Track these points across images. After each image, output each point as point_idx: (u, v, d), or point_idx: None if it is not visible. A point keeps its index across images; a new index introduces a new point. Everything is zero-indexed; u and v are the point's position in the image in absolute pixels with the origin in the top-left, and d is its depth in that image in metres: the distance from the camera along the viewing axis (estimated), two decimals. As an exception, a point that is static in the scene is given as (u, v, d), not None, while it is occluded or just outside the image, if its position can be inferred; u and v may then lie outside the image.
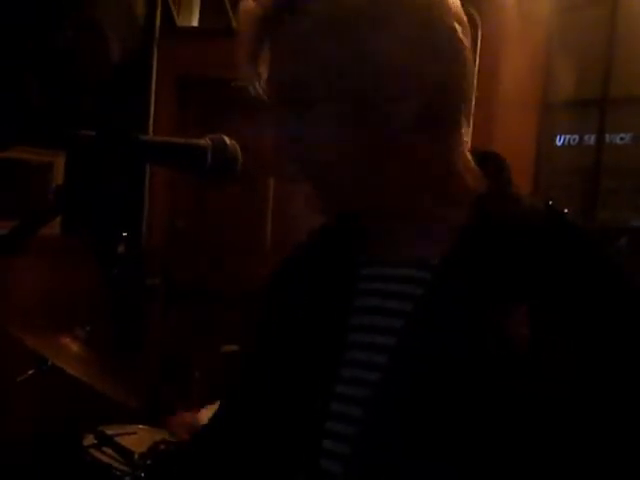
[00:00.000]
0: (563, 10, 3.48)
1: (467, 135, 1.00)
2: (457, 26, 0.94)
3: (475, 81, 1.01)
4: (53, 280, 3.83)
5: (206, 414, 2.97)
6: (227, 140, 1.04)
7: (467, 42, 0.96)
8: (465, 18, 0.96)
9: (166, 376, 3.99)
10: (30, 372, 2.68)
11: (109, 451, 2.59)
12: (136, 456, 2.43)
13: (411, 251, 1.01)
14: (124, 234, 4.14)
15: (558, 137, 3.59)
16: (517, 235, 0.97)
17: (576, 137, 3.58)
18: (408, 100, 0.92)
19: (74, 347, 2.70)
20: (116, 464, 2.56)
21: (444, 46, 0.93)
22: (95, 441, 2.62)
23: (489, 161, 1.05)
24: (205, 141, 1.03)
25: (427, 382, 0.93)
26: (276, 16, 0.95)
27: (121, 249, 4.10)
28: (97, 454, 2.62)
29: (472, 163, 1.03)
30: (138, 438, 2.79)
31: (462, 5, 0.97)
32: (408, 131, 0.93)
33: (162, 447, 2.42)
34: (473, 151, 1.04)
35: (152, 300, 4.33)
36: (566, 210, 1.04)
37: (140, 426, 2.98)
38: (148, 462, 2.39)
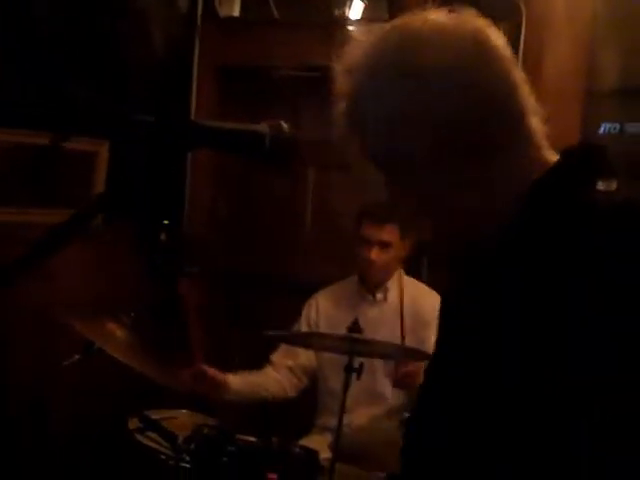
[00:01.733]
0: (608, -3, 3.46)
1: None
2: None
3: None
4: (96, 269, 3.87)
5: (234, 380, 3.01)
6: (284, 125, 1.05)
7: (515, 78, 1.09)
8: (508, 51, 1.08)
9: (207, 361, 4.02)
10: (77, 356, 2.72)
11: (154, 435, 2.62)
12: (180, 440, 2.46)
13: None
14: (165, 222, 4.16)
15: (602, 126, 3.55)
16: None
17: (617, 126, 3.54)
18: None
19: (119, 333, 2.73)
20: (161, 448, 2.59)
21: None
22: (140, 425, 2.65)
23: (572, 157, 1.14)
24: (263, 126, 1.05)
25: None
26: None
27: (163, 237, 4.13)
28: (142, 438, 2.66)
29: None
30: (181, 422, 2.83)
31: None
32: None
33: (205, 431, 2.44)
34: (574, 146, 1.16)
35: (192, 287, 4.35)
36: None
37: (183, 411, 3.02)
38: (192, 446, 2.41)
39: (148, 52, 4.09)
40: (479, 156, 1.07)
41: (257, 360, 3.34)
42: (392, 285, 3.19)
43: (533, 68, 3.48)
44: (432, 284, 3.67)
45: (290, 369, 3.19)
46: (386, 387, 3.02)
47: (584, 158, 1.13)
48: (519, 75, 1.10)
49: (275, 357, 3.23)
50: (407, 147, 1.08)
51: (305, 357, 3.20)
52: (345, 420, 2.79)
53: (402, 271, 3.27)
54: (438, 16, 1.09)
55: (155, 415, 2.78)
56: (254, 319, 4.19)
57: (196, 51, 4.34)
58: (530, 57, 3.51)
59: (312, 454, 2.40)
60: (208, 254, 4.37)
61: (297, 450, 2.41)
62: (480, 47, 1.07)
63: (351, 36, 1.14)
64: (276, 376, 3.20)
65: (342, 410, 2.34)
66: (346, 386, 2.36)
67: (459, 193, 1.09)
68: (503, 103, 1.07)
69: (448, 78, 1.04)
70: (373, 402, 3.06)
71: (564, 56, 3.51)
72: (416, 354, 2.62)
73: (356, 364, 2.45)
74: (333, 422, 2.39)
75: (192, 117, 4.35)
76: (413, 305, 3.13)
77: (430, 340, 3.00)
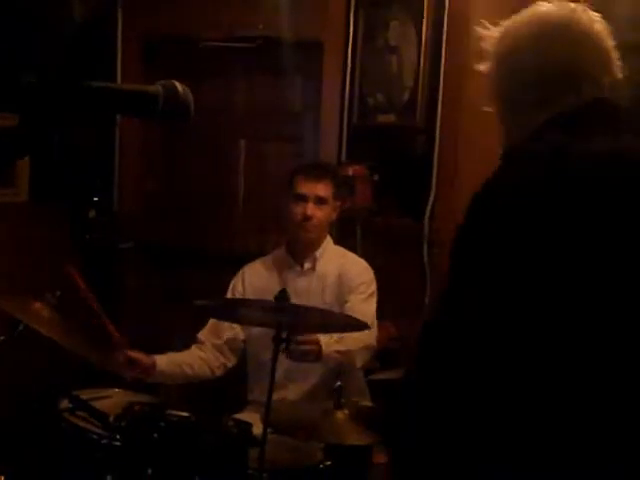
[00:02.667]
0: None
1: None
2: None
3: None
4: (24, 247, 3.78)
5: (160, 360, 2.97)
6: (179, 86, 1.02)
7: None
8: None
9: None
10: (1, 338, 2.65)
11: (85, 415, 2.57)
12: (111, 419, 2.41)
13: None
14: (95, 199, 4.08)
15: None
16: None
17: None
18: None
19: (45, 312, 2.67)
20: (93, 428, 2.54)
21: None
22: (70, 405, 2.59)
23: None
24: (156, 87, 1.01)
25: None
26: None
27: (92, 214, 4.05)
28: (74, 419, 2.60)
29: None
30: (113, 401, 2.78)
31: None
32: None
33: (137, 408, 2.40)
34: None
35: (126, 264, 4.29)
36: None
37: (115, 390, 2.97)
38: (123, 424, 2.37)
39: (68, 23, 3.97)
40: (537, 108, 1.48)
41: (194, 335, 3.29)
42: (320, 255, 3.16)
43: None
44: (365, 252, 3.67)
45: (217, 347, 3.12)
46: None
47: (586, 111, 1.45)
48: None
49: (202, 335, 3.16)
50: (518, 91, 1.51)
51: (232, 333, 3.14)
52: (278, 396, 2.77)
53: (330, 240, 3.24)
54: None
55: (87, 395, 2.72)
56: (190, 294, 4.14)
57: (119, 20, 4.23)
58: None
59: (244, 426, 2.37)
60: (140, 230, 4.31)
61: (229, 423, 2.39)
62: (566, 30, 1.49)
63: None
64: (202, 355, 3.11)
65: (272, 381, 2.31)
66: (275, 356, 2.33)
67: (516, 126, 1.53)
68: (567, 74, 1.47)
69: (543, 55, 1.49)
70: (305, 378, 3.03)
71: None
72: (346, 323, 2.60)
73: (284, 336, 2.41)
74: (265, 397, 2.36)
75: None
76: (339, 274, 3.11)
77: (351, 304, 3.00)
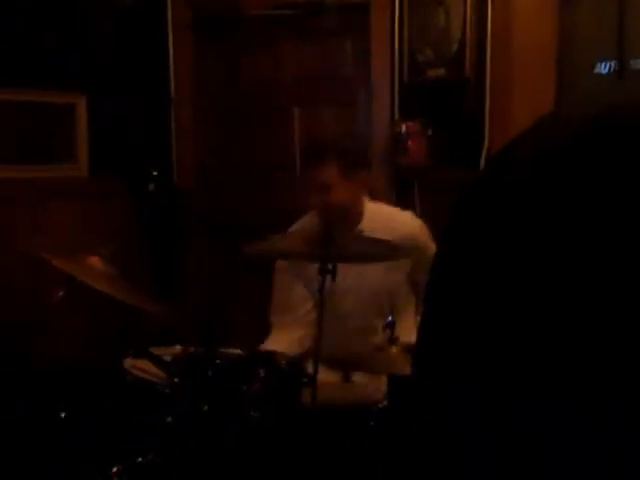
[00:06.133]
0: None
1: None
2: None
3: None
4: (85, 220, 3.87)
5: None
6: None
7: None
8: None
9: (211, 313, 4.01)
10: (61, 293, 2.71)
11: (149, 369, 2.61)
12: (168, 360, 2.45)
13: None
14: (154, 173, 4.15)
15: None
16: None
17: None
18: None
19: (99, 265, 2.72)
20: (155, 379, 2.59)
21: None
22: (132, 354, 2.65)
23: None
24: None
25: None
26: None
27: (152, 187, 4.12)
28: (137, 372, 2.66)
29: None
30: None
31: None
32: None
33: (191, 350, 2.43)
34: None
35: (187, 238, 4.35)
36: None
37: (177, 346, 3.01)
38: (179, 365, 2.41)
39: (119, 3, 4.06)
40: None
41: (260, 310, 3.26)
42: (366, 227, 2.88)
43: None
44: (423, 206, 3.66)
45: (293, 322, 2.96)
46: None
47: None
48: None
49: (273, 318, 3.05)
50: None
51: (302, 308, 2.98)
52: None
53: (371, 206, 3.01)
54: None
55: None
56: (249, 265, 4.18)
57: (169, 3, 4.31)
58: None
59: (297, 365, 2.38)
60: (199, 203, 4.36)
61: (282, 360, 2.40)
62: None
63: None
64: (285, 337, 2.93)
65: (320, 315, 2.31)
66: (322, 288, 2.33)
67: None
68: None
69: None
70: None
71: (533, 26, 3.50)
72: (394, 250, 2.54)
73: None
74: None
75: (171, 67, 4.33)
76: (385, 231, 2.92)
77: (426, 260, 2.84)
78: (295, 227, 3.09)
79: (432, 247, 2.88)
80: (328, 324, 2.62)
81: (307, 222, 3.04)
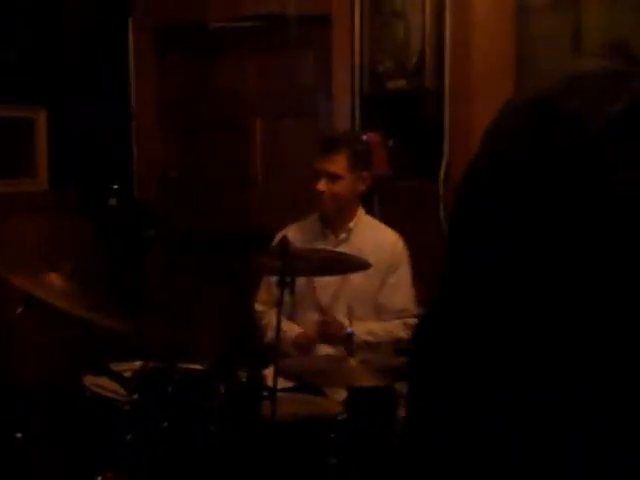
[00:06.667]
0: None
1: None
2: None
3: None
4: (44, 233, 3.84)
5: None
6: None
7: None
8: None
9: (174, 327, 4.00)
10: (19, 310, 2.69)
11: (109, 385, 2.61)
12: (127, 376, 2.44)
13: None
14: (115, 186, 4.13)
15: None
16: None
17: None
18: None
19: (59, 282, 2.70)
20: (115, 396, 2.58)
21: None
22: (90, 370, 2.64)
23: None
24: None
25: None
26: None
27: (113, 202, 4.10)
28: (97, 389, 2.65)
29: None
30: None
31: None
32: None
33: (150, 365, 2.42)
34: None
35: (148, 251, 4.33)
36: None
37: (137, 362, 3.00)
38: (138, 381, 2.39)
39: (81, 15, 4.05)
40: None
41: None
42: (354, 225, 3.15)
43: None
44: (384, 217, 3.67)
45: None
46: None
47: None
48: None
49: (260, 305, 3.18)
50: None
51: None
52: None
53: (362, 211, 3.24)
54: None
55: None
56: (212, 278, 4.17)
57: (130, 11, 4.30)
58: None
59: (256, 377, 2.38)
60: (161, 216, 4.34)
61: (241, 374, 2.39)
62: None
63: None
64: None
65: (278, 327, 2.32)
66: (280, 301, 2.34)
67: None
68: None
69: None
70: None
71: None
72: (349, 264, 2.59)
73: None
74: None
75: (132, 77, 4.31)
76: (375, 247, 3.07)
77: (392, 287, 3.01)
78: (297, 225, 3.23)
79: (405, 269, 3.00)
80: (309, 316, 2.95)
81: (306, 225, 3.23)
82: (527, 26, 3.54)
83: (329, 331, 2.91)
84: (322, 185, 3.05)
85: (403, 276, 3.07)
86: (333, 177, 3.06)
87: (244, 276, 3.57)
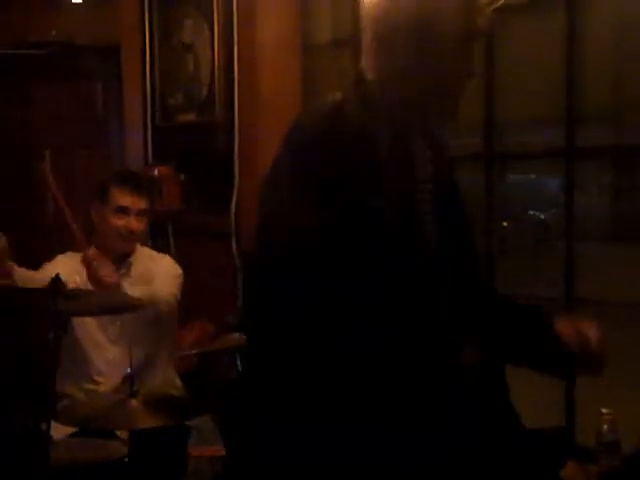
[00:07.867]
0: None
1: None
2: None
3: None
4: None
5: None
6: None
7: None
8: None
9: None
10: None
11: None
12: None
13: None
14: None
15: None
16: None
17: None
18: None
19: None
20: None
21: None
22: None
23: None
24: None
25: None
26: None
27: None
28: None
29: None
30: None
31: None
32: None
33: None
34: None
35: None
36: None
37: None
38: None
39: None
40: None
41: None
42: (134, 260, 3.09)
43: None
44: (178, 252, 3.66)
45: None
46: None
47: None
48: None
49: None
50: None
51: None
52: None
53: (139, 244, 3.18)
54: None
55: None
56: None
57: None
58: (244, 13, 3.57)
59: (30, 426, 2.31)
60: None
61: (16, 423, 2.32)
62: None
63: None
64: None
65: (54, 375, 2.26)
66: (57, 344, 2.26)
67: None
68: None
69: None
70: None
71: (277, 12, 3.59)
72: (125, 303, 2.55)
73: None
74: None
75: None
76: (147, 275, 3.05)
77: (154, 284, 2.99)
78: (68, 257, 3.05)
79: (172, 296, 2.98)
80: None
81: (60, 263, 3.03)
82: (311, 64, 3.64)
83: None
84: (134, 223, 2.96)
85: (169, 275, 3.06)
86: (142, 213, 3.00)
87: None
